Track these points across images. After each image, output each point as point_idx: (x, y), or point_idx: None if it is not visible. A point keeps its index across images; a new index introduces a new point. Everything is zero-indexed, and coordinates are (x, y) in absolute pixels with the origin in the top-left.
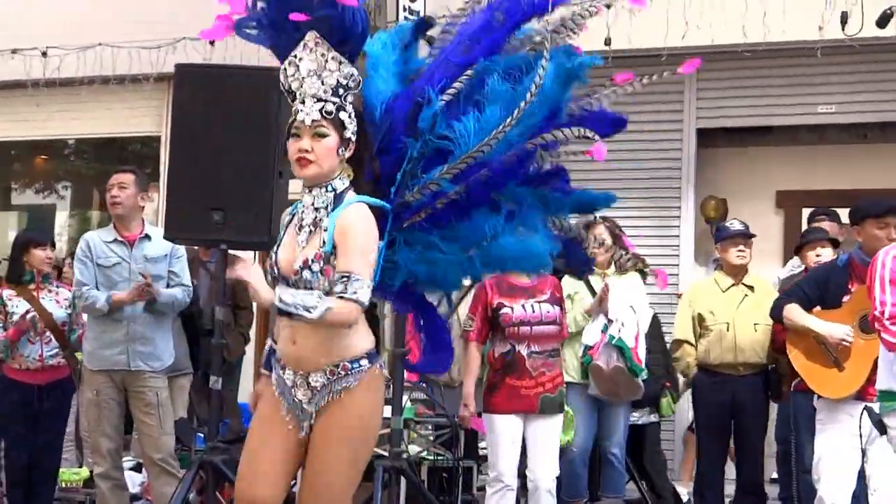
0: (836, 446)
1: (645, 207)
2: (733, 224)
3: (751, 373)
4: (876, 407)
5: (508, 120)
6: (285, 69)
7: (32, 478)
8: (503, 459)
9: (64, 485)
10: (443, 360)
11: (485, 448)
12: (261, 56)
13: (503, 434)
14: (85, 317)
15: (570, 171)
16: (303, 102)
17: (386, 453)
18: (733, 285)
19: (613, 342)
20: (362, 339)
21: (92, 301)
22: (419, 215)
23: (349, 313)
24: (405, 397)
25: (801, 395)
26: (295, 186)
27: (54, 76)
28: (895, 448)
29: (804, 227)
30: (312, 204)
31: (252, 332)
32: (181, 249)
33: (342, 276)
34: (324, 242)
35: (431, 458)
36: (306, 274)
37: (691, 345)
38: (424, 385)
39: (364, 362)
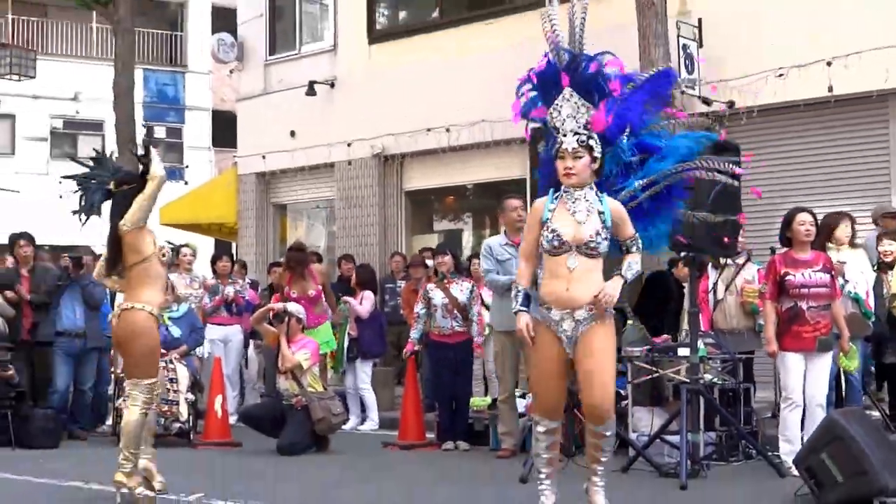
0: None
1: None
2: None
3: None
4: None
5: (681, 165)
6: (551, 113)
7: (455, 405)
8: (792, 384)
9: (475, 408)
10: None
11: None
12: None
13: (791, 366)
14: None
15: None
16: (565, 136)
17: (688, 380)
18: None
19: (851, 295)
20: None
21: (491, 280)
22: None
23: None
24: (700, 341)
25: None
26: None
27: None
28: None
29: None
30: (584, 198)
31: None
32: None
33: (632, 240)
34: (603, 221)
35: (720, 382)
36: (598, 238)
37: None
38: (712, 332)
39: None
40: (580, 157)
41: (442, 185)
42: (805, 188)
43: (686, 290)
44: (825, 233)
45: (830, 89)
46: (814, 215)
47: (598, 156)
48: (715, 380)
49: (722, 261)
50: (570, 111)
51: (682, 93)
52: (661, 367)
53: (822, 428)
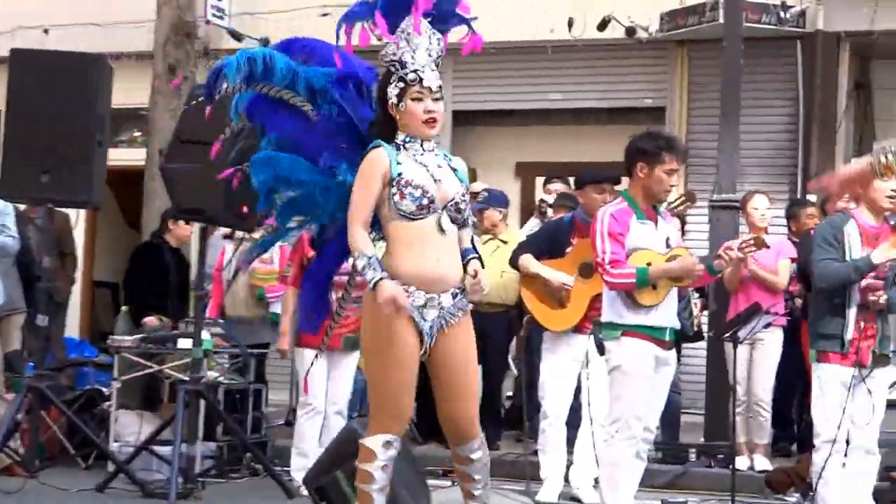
0: (558, 369)
1: None
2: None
3: (495, 311)
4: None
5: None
6: (396, 43)
7: None
8: (314, 388)
9: None
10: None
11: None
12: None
13: (315, 366)
14: None
15: None
16: (422, 70)
17: (187, 378)
18: (490, 239)
19: None
20: None
21: None
22: None
23: None
24: (204, 331)
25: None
26: (115, 154)
27: None
28: (609, 367)
29: (538, 193)
30: (433, 151)
31: (78, 275)
32: (9, 206)
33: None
34: (461, 181)
35: (227, 382)
36: (462, 204)
37: None
38: (222, 321)
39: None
40: (440, 99)
41: None
42: None
43: (195, 266)
44: None
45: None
46: None
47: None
48: (221, 378)
49: (239, 235)
50: (423, 41)
51: (208, 23)
52: (159, 362)
53: (339, 440)
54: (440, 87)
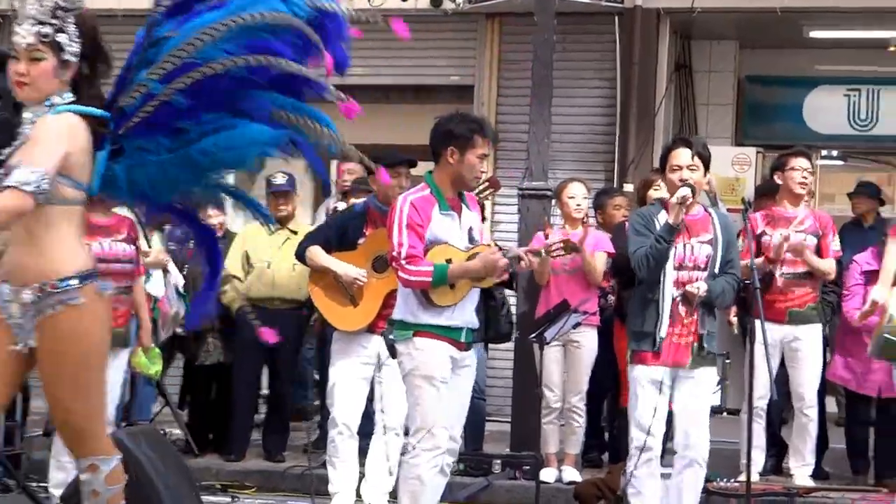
0: (349, 373)
1: None
2: (276, 178)
3: (288, 307)
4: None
5: (215, 25)
6: None
7: None
8: None
9: None
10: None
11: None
12: None
13: None
14: None
15: None
16: (20, 25)
17: None
18: (279, 229)
19: None
20: (71, 257)
21: None
22: (133, 120)
23: (10, 202)
24: None
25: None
26: None
27: None
28: (403, 372)
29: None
30: (31, 119)
31: None
32: None
33: (12, 168)
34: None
35: None
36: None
37: (240, 280)
38: None
39: (74, 282)
40: (40, 60)
41: None
42: None
43: None
44: None
45: None
46: None
47: (72, 58)
48: None
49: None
50: None
51: None
52: None
53: None
54: (30, 45)
